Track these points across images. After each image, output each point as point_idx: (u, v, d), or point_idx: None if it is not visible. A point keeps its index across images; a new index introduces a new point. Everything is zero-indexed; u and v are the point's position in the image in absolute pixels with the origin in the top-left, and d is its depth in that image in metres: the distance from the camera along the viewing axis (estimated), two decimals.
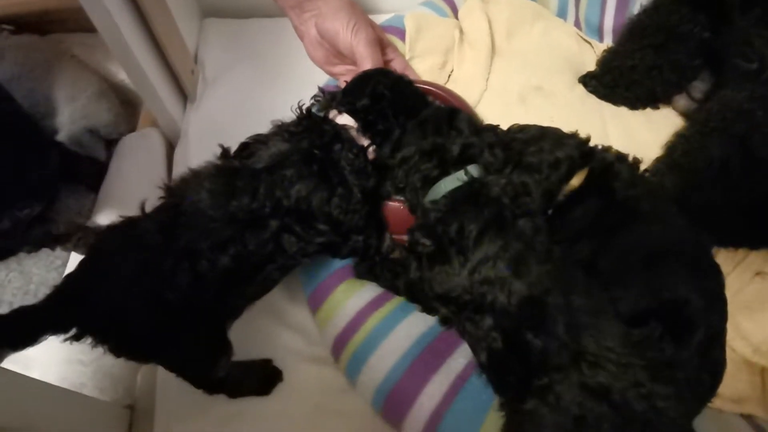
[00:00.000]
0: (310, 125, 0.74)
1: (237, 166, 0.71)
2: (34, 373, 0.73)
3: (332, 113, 0.77)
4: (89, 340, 0.63)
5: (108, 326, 0.64)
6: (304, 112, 0.76)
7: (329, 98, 0.78)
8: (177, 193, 0.69)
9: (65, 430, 0.72)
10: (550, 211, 0.70)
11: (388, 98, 0.76)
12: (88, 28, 1.26)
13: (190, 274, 0.64)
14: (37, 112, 1.15)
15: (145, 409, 0.85)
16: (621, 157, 0.71)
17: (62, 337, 0.62)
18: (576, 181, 0.68)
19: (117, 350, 0.66)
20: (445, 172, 0.70)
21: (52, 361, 0.86)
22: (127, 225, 0.67)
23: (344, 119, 0.77)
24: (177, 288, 0.64)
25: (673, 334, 0.60)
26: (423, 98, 0.80)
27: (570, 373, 0.56)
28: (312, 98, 0.79)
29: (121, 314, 0.63)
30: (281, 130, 0.74)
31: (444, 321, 0.70)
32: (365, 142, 0.77)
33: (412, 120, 0.75)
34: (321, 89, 0.81)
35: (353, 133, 0.77)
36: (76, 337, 0.62)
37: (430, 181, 0.70)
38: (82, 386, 0.86)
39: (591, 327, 0.57)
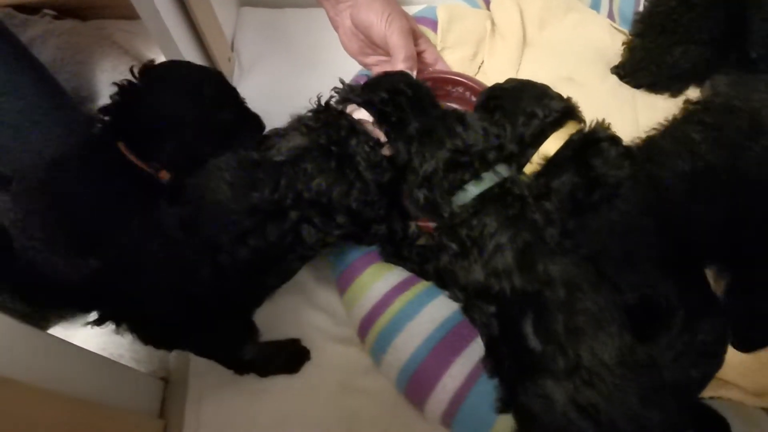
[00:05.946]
0: (327, 120, 0.74)
1: (257, 158, 0.71)
2: (75, 342, 0.76)
3: (350, 108, 0.77)
4: (111, 326, 0.66)
5: (132, 317, 0.67)
6: (322, 104, 0.77)
7: (347, 89, 0.78)
8: (198, 185, 0.71)
9: (103, 395, 0.75)
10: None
11: (407, 95, 0.75)
12: (128, 15, 1.31)
13: (212, 266, 0.66)
14: (79, 96, 1.19)
15: (179, 381, 0.89)
16: (614, 139, 0.71)
17: (85, 320, 0.65)
18: (552, 146, 0.69)
19: (144, 339, 0.69)
20: (475, 176, 0.68)
21: (92, 332, 0.89)
22: (149, 218, 0.69)
23: (361, 114, 0.77)
24: (200, 280, 0.66)
25: (655, 321, 0.62)
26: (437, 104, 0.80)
27: (563, 385, 0.56)
28: (332, 90, 0.79)
29: (145, 306, 0.66)
30: (299, 123, 0.75)
31: (465, 309, 0.71)
32: (381, 136, 0.76)
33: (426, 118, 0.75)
34: (342, 81, 0.81)
35: (369, 127, 0.76)
36: (98, 322, 0.66)
37: (457, 186, 0.69)
38: (120, 357, 0.90)
39: (591, 336, 0.56)
